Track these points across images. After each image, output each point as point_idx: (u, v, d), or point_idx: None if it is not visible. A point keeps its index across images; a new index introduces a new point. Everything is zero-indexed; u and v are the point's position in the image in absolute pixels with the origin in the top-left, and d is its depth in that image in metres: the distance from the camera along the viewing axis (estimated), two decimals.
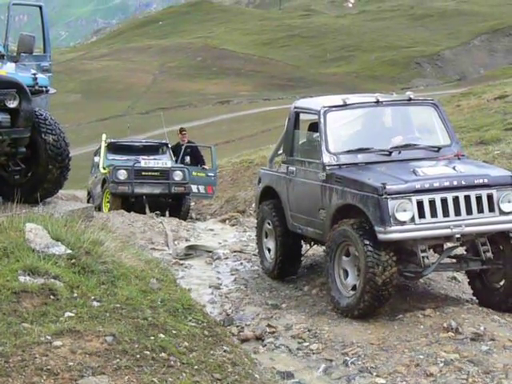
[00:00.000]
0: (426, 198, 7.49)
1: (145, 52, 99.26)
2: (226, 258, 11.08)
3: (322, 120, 8.55)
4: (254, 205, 14.33)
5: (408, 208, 7.43)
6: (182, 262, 10.86)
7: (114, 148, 18.44)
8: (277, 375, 6.47)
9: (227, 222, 15.12)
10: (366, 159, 8.33)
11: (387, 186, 7.44)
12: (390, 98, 9.18)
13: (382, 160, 8.32)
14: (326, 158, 8.35)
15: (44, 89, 8.78)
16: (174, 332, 5.36)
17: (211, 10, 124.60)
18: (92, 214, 9.60)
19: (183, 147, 19.11)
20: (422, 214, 7.47)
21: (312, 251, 10.09)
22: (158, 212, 16.13)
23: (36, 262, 5.76)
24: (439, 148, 8.59)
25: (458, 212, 7.56)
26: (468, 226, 7.58)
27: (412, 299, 8.19)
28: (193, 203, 19.28)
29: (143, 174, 16.98)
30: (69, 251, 6.14)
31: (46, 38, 10.79)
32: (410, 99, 8.90)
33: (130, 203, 16.75)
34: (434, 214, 7.50)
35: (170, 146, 19.05)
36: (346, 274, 7.95)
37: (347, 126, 8.98)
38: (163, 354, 4.99)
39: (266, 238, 9.91)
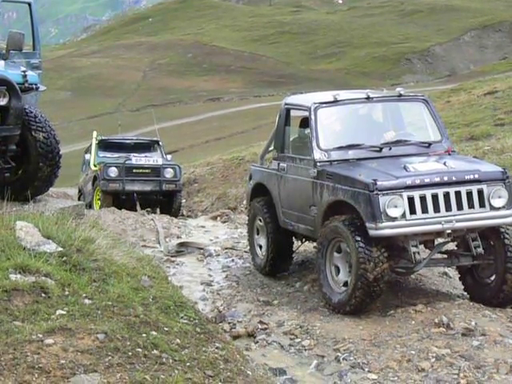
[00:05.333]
0: (416, 194, 7.50)
1: (135, 49, 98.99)
2: (218, 255, 11.08)
3: (312, 116, 8.56)
4: (245, 201, 14.34)
5: (399, 204, 7.44)
6: (173, 259, 10.85)
7: (104, 145, 18.42)
8: (269, 372, 6.48)
9: (218, 218, 15.12)
10: (357, 155, 8.34)
11: (378, 182, 7.45)
12: (380, 94, 9.19)
13: (372, 156, 8.33)
14: (317, 155, 8.35)
15: (34, 86, 8.75)
16: (165, 329, 5.35)
17: (201, 7, 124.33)
18: (83, 212, 9.58)
19: None
20: (412, 210, 7.49)
21: (303, 248, 10.10)
22: (149, 209, 16.12)
23: (27, 260, 5.75)
24: (430, 144, 8.61)
25: (448, 208, 7.58)
26: (459, 222, 7.59)
27: (403, 295, 8.21)
28: (184, 200, 19.28)
29: (134, 171, 16.96)
30: (60, 249, 6.13)
31: (35, 35, 10.77)
32: (400, 95, 8.92)
33: (121, 200, 16.73)
34: (424, 209, 7.51)
35: (161, 143, 19.04)
36: (338, 270, 7.96)
37: (338, 122, 8.98)
38: (155, 352, 4.99)
39: (258, 234, 9.91)
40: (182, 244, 11.62)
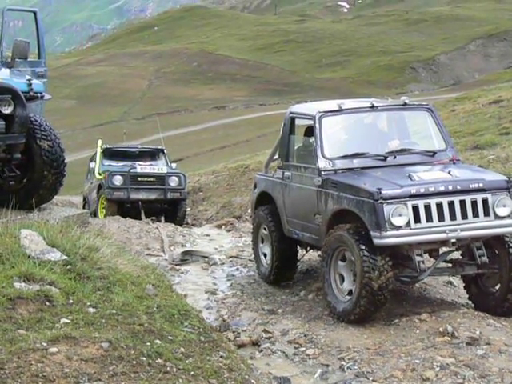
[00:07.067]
0: (421, 203, 7.50)
1: (140, 57, 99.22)
2: (222, 264, 11.07)
3: (317, 125, 8.56)
4: (249, 210, 14.33)
5: (403, 213, 7.44)
6: (177, 267, 10.85)
7: (109, 154, 18.45)
8: (273, 380, 6.46)
9: (223, 227, 15.12)
10: (362, 164, 8.34)
11: (383, 191, 7.45)
12: (385, 103, 9.19)
13: (377, 165, 8.33)
14: (322, 163, 8.36)
15: (39, 94, 8.78)
16: (170, 338, 5.35)
17: (206, 16, 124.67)
18: (87, 220, 9.60)
19: None
20: (417, 219, 7.48)
21: (308, 256, 10.10)
22: (153, 218, 16.12)
23: (31, 268, 5.75)
24: (434, 153, 8.60)
25: (453, 216, 7.57)
26: (463, 231, 7.58)
27: (408, 304, 8.20)
28: (188, 209, 19.29)
29: (139, 179, 16.99)
30: (64, 257, 6.14)
31: (40, 43, 10.79)
32: (405, 104, 8.92)
33: (125, 209, 16.75)
34: (429, 218, 7.51)
35: (166, 151, 19.06)
36: (342, 278, 7.95)
37: (342, 131, 8.99)
38: (159, 360, 4.99)
39: (262, 243, 9.90)
40: (186, 252, 11.62)
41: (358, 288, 7.56)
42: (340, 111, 8.74)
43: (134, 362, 4.88)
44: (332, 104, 8.97)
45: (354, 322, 7.69)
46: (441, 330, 7.21)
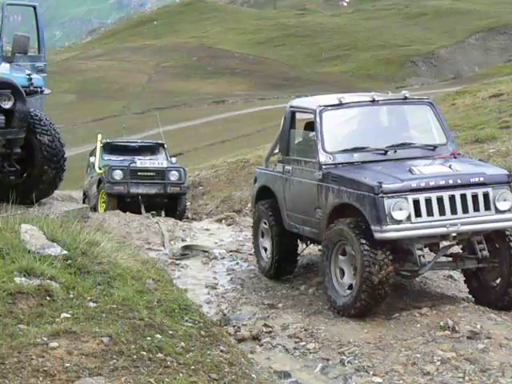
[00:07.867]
0: (422, 197, 7.49)
1: (140, 52, 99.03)
2: (223, 258, 11.07)
3: (317, 119, 8.56)
4: (250, 204, 14.34)
5: (404, 207, 7.43)
6: (178, 262, 10.85)
7: (109, 148, 18.44)
8: (274, 375, 6.47)
9: (223, 221, 15.11)
10: (362, 158, 8.34)
11: (383, 185, 7.44)
12: (385, 97, 9.18)
13: (377, 159, 8.33)
14: (322, 157, 8.35)
15: (39, 89, 8.78)
16: (170, 332, 5.35)
17: (206, 10, 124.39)
18: (88, 215, 9.62)
19: None
20: (418, 213, 7.48)
21: (308, 250, 10.09)
22: (153, 212, 16.11)
23: (32, 263, 5.75)
24: (435, 147, 8.60)
25: (454, 211, 7.57)
26: (464, 225, 7.58)
27: (408, 298, 8.20)
28: (189, 203, 19.28)
29: (139, 174, 16.98)
30: (65, 252, 6.14)
31: (40, 38, 10.79)
32: (405, 98, 8.91)
33: (125, 203, 16.73)
34: (430, 212, 7.50)
35: (166, 146, 19.05)
36: (343, 273, 7.95)
37: (343, 125, 8.98)
38: (160, 355, 4.99)
39: (263, 237, 9.90)
40: (186, 247, 11.62)
41: (359, 282, 7.56)
42: (340, 105, 8.74)
43: (135, 357, 4.89)
44: (332, 98, 8.97)
45: (354, 316, 7.69)
46: (441, 324, 7.22)
